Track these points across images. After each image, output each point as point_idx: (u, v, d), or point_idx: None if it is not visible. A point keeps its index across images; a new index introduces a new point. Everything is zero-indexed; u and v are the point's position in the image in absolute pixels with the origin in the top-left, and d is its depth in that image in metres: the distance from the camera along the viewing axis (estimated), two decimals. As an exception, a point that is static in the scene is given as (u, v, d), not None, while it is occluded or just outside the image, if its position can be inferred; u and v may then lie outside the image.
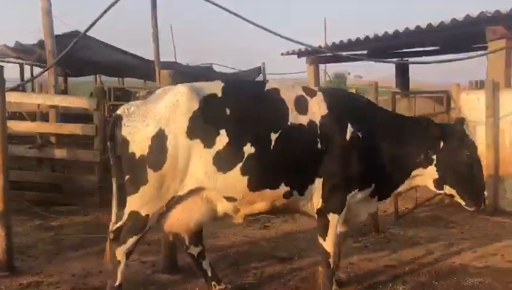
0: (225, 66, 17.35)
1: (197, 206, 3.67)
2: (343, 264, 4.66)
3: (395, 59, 11.91)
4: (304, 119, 3.70)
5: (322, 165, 3.70)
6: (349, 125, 3.76)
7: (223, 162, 3.52)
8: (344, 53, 9.89)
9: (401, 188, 4.15)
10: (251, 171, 3.56)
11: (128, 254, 3.66)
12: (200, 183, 3.57)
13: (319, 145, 3.69)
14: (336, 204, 3.80)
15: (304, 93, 3.82)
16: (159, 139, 3.49)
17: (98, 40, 12.28)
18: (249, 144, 3.54)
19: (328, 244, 3.85)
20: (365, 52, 11.51)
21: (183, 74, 12.90)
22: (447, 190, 3.98)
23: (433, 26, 8.18)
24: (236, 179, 3.57)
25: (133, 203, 3.58)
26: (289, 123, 3.66)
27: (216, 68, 16.69)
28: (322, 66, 17.17)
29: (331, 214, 3.81)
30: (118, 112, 3.66)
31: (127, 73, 15.09)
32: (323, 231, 3.85)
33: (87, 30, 4.92)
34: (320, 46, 9.93)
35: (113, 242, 3.64)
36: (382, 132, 3.91)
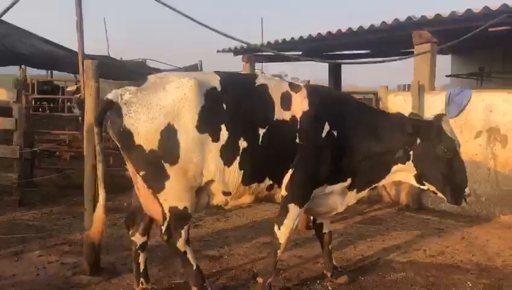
0: (162, 62, 16.93)
1: (200, 198, 3.77)
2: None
3: (330, 60, 12.20)
4: (287, 115, 3.81)
5: (295, 158, 3.81)
6: (326, 123, 3.88)
7: (226, 157, 3.62)
8: (281, 52, 9.94)
9: (383, 182, 4.28)
10: (245, 166, 3.67)
11: (188, 241, 3.81)
12: (213, 176, 3.64)
13: (298, 140, 3.81)
14: (299, 196, 3.90)
15: (289, 89, 3.93)
16: (169, 134, 3.48)
17: (20, 28, 11.46)
18: (242, 139, 3.64)
19: (281, 233, 3.94)
20: (300, 52, 11.70)
21: (113, 67, 12.57)
22: (427, 186, 4.07)
23: (363, 29, 8.40)
24: (235, 173, 3.67)
25: (168, 199, 3.61)
26: (275, 119, 3.77)
27: (151, 64, 16.29)
28: (259, 66, 17.24)
29: (292, 205, 3.88)
30: (110, 96, 3.54)
31: (56, 66, 14.26)
32: (281, 219, 3.93)
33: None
34: (255, 44, 9.90)
35: (170, 241, 3.77)
36: (359, 129, 4.02)
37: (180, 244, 3.75)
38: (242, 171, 3.67)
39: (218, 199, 3.82)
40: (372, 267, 4.88)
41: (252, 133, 3.68)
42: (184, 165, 3.51)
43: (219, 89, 3.68)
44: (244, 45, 8.66)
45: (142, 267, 4.04)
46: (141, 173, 3.59)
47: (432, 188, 4.06)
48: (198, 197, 3.73)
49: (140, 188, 3.74)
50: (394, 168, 4.08)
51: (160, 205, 3.65)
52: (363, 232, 6.14)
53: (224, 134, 3.59)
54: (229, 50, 12.03)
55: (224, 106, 3.63)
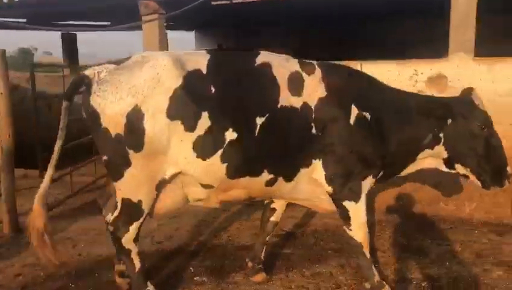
0: None
1: (172, 192, 3.41)
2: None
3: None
4: (297, 102, 3.42)
5: (322, 152, 3.48)
6: (352, 106, 3.50)
7: (203, 148, 3.20)
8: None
9: (404, 173, 3.89)
10: (231, 158, 3.26)
11: (135, 239, 3.37)
12: (180, 168, 3.26)
13: (314, 131, 3.43)
14: (350, 192, 3.55)
15: (299, 69, 3.51)
16: (135, 117, 3.09)
17: None
18: (230, 130, 3.21)
19: (354, 233, 3.62)
20: (24, 20, 10.00)
21: None
22: (459, 169, 3.74)
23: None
24: (215, 166, 3.26)
25: (122, 189, 3.27)
26: (279, 106, 3.35)
27: None
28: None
29: (346, 202, 3.57)
30: (86, 72, 3.23)
31: None
32: (347, 221, 3.62)
33: None
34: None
35: (114, 234, 3.34)
36: (387, 112, 3.63)
37: (126, 241, 3.34)
38: (226, 163, 3.25)
39: (198, 192, 3.41)
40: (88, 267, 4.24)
41: (246, 123, 3.26)
42: (148, 154, 3.14)
43: (205, 70, 3.24)
44: None
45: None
46: (104, 158, 3.26)
47: (464, 171, 3.73)
48: (164, 192, 3.37)
49: None
50: (421, 155, 3.74)
51: (114, 193, 3.36)
52: (85, 226, 5.42)
53: (204, 122, 3.16)
54: None
55: (212, 90, 3.20)
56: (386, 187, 5.80)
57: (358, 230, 3.61)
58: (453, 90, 5.42)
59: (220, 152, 3.23)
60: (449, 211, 5.75)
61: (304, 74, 3.50)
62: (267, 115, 3.30)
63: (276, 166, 3.44)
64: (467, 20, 5.48)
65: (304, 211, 5.76)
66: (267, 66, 3.42)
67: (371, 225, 4.72)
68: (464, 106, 3.67)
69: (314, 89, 3.47)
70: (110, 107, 3.09)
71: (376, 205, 5.91)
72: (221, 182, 3.35)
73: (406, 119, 3.68)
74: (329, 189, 3.54)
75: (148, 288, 3.44)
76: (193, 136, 3.17)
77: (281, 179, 3.49)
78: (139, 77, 3.12)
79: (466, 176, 3.80)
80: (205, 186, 3.37)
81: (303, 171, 3.52)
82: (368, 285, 3.70)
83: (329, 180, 3.51)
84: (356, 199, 3.56)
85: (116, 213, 3.34)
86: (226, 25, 12.48)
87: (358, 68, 5.67)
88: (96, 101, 3.12)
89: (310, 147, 3.45)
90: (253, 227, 5.20)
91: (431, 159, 3.81)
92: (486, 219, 5.57)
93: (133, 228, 3.33)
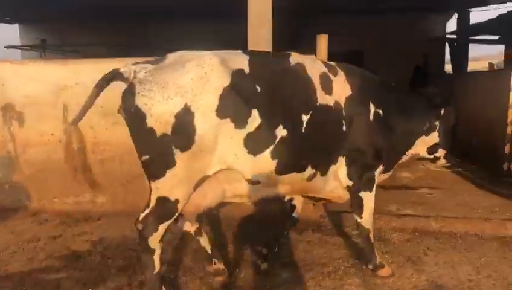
0: None
1: (214, 188, 3.42)
2: None
3: None
4: (330, 100, 3.65)
5: (346, 147, 3.75)
6: (371, 104, 3.86)
7: (255, 145, 3.25)
8: None
9: (403, 159, 4.38)
10: (282, 155, 3.36)
11: (161, 240, 3.32)
12: (228, 165, 3.27)
13: (344, 128, 3.71)
14: (366, 183, 3.89)
15: (326, 70, 3.73)
16: (185, 117, 3.04)
17: None
18: (280, 127, 3.32)
19: (365, 221, 3.98)
20: None
21: None
22: (440, 153, 4.38)
23: None
24: (265, 163, 3.33)
25: (161, 188, 3.20)
26: (318, 104, 3.56)
27: None
28: None
29: (362, 193, 3.91)
30: (122, 70, 3.16)
31: None
32: (359, 210, 3.97)
33: None
34: None
35: (143, 232, 3.27)
36: (395, 107, 4.06)
37: (154, 239, 3.28)
38: (276, 160, 3.35)
39: (240, 188, 3.45)
40: None
41: (293, 120, 3.40)
42: (195, 152, 3.11)
43: (248, 69, 3.27)
44: None
45: (209, 250, 3.96)
46: (144, 158, 3.16)
47: (443, 153, 4.39)
48: (203, 189, 3.37)
49: None
50: (418, 141, 4.27)
51: (150, 190, 3.26)
52: None
53: (254, 120, 3.21)
54: None
55: (258, 89, 3.26)
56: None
57: (369, 217, 4.00)
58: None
59: (270, 148, 3.32)
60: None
61: (330, 75, 3.74)
62: (310, 113, 3.48)
63: (317, 162, 3.66)
64: (264, 17, 5.40)
65: (104, 225, 5.20)
66: (301, 67, 3.59)
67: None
68: (449, 99, 4.34)
69: (341, 89, 3.75)
70: (158, 107, 3.03)
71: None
72: (268, 178, 3.44)
73: (409, 113, 4.15)
74: (350, 182, 3.87)
75: None
76: (244, 133, 3.21)
77: (318, 174, 3.70)
78: (186, 77, 3.09)
79: (435, 159, 4.45)
80: (251, 182, 3.42)
81: (333, 167, 3.79)
82: (370, 266, 4.09)
83: (349, 174, 3.84)
84: (371, 188, 3.94)
85: (147, 211, 3.29)
86: (51, 19, 11.33)
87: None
88: (142, 101, 3.04)
89: (341, 143, 3.73)
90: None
91: (420, 146, 4.32)
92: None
93: (162, 227, 3.30)
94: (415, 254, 4.52)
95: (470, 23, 11.71)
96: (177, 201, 3.24)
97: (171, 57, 3.26)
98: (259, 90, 3.27)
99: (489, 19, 11.36)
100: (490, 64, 10.24)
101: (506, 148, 7.93)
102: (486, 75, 9.64)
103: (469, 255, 4.48)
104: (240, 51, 3.46)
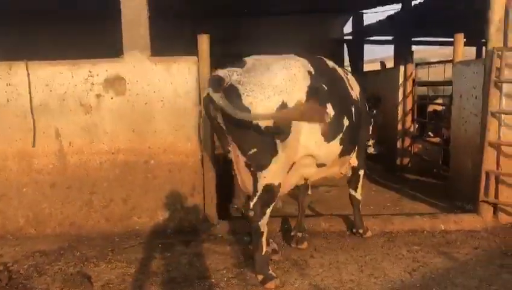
0: None
1: (294, 173, 3.91)
2: None
3: None
4: (354, 94, 4.45)
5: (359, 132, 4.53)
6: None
7: (329, 133, 3.87)
8: None
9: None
10: (344, 141, 4.09)
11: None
12: (309, 152, 3.82)
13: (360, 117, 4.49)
14: (363, 164, 4.84)
15: (341, 71, 4.53)
16: None
17: None
18: (345, 117, 4.07)
19: (358, 194, 4.88)
20: None
21: None
22: (370, 142, 5.66)
23: None
24: (335, 148, 4.03)
25: (267, 176, 3.64)
26: (353, 98, 4.40)
27: None
28: None
29: (361, 170, 4.83)
30: (221, 74, 3.52)
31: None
32: (356, 184, 4.85)
33: None
34: None
35: (253, 218, 3.70)
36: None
37: (263, 223, 3.73)
38: (342, 146, 4.07)
39: (309, 171, 4.09)
40: None
41: (349, 110, 4.16)
42: (290, 141, 3.59)
43: (315, 70, 3.83)
44: None
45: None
46: (251, 152, 3.58)
47: (371, 143, 5.67)
48: (295, 173, 3.94)
49: (241, 169, 3.79)
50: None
51: (256, 180, 3.66)
52: None
53: (329, 112, 3.82)
54: None
55: (325, 87, 3.84)
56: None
57: (361, 190, 4.89)
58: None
59: (340, 136, 4.01)
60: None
61: (348, 74, 4.61)
62: (354, 105, 4.29)
63: (355, 147, 4.50)
64: (140, 17, 5.03)
65: None
66: (334, 67, 4.35)
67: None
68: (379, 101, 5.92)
69: (354, 86, 4.54)
70: (261, 104, 3.41)
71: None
72: (332, 161, 4.15)
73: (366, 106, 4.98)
74: (356, 163, 4.71)
75: (270, 271, 3.79)
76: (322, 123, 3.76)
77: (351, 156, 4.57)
78: (278, 78, 3.54)
79: (367, 146, 5.53)
80: (320, 165, 4.06)
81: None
82: (360, 230, 4.86)
83: (356, 156, 4.66)
84: (364, 167, 4.89)
85: (255, 199, 3.69)
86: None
87: (24, 68, 5.02)
88: (247, 100, 3.41)
89: (360, 129, 4.50)
90: None
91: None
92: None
93: (268, 211, 3.74)
94: (301, 257, 4.38)
95: (364, 25, 12.05)
96: (279, 185, 3.73)
97: (250, 61, 3.68)
98: (326, 88, 3.86)
99: (380, 20, 11.77)
100: (382, 63, 10.52)
101: (398, 144, 8.24)
102: (378, 74, 9.95)
103: (355, 254, 4.42)
104: (294, 54, 3.92)
